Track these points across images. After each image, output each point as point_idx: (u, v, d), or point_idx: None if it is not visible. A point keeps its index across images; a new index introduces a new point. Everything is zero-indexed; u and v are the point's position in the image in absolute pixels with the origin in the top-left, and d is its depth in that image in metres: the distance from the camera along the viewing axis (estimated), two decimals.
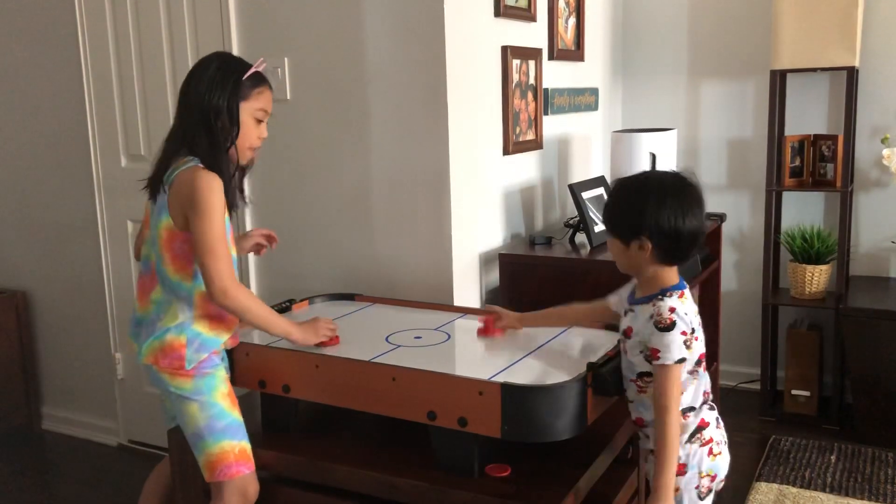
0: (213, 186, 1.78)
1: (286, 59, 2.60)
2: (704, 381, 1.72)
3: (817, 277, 3.28)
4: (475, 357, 2.00)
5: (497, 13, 2.60)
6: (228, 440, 1.86)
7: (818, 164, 3.36)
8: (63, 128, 3.16)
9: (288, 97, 2.62)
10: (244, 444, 1.88)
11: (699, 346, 1.67)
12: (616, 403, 1.82)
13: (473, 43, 2.50)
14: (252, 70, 1.87)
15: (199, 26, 2.75)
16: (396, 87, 2.44)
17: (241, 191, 1.97)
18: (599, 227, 2.68)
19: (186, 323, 1.86)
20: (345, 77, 2.52)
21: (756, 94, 3.51)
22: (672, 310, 1.63)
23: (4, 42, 3.26)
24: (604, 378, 1.70)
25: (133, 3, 2.87)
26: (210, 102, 1.82)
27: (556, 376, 1.71)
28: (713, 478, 1.72)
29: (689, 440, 1.70)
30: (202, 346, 1.87)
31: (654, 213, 1.62)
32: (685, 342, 1.62)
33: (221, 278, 1.78)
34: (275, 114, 2.63)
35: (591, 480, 1.80)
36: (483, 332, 2.04)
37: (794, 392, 3.35)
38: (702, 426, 1.71)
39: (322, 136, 2.61)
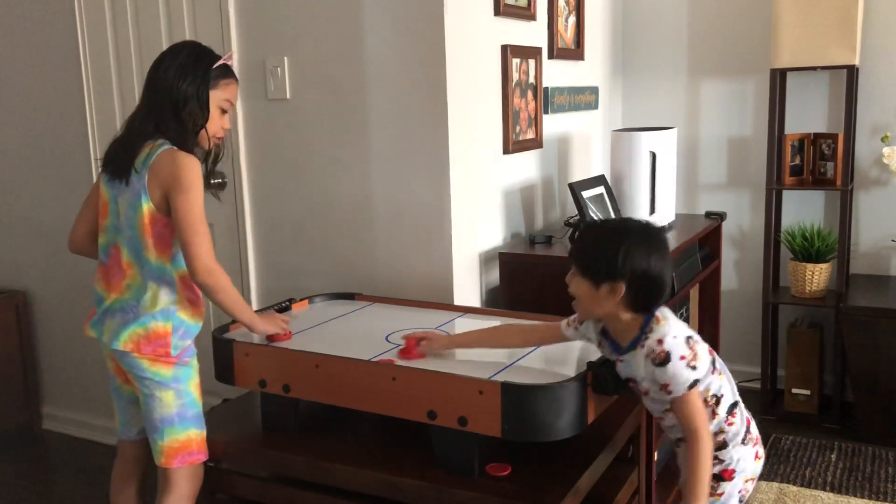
0: (194, 166, 1.83)
1: (286, 58, 2.60)
2: (727, 373, 1.73)
3: (817, 276, 3.28)
4: (475, 356, 1.99)
5: (497, 12, 2.60)
6: (195, 429, 1.93)
7: (818, 162, 3.36)
8: (63, 127, 3.16)
9: (287, 96, 2.62)
10: (204, 434, 1.95)
11: (703, 349, 1.65)
12: (616, 403, 1.81)
13: (473, 42, 2.49)
14: (221, 61, 1.92)
15: (198, 26, 2.75)
16: (396, 86, 2.44)
17: (211, 178, 2.01)
18: None
19: (172, 309, 1.89)
20: (344, 76, 2.52)
21: (756, 93, 3.51)
22: (660, 341, 1.61)
23: (4, 42, 3.25)
24: (604, 377, 1.70)
25: (133, 2, 2.87)
26: (180, 88, 1.86)
27: (557, 376, 1.71)
28: (753, 480, 1.74)
29: (743, 441, 1.70)
30: (186, 333, 1.91)
31: (633, 257, 1.60)
32: (689, 364, 1.60)
33: (205, 257, 1.81)
34: (274, 113, 2.66)
35: (591, 480, 1.80)
36: (404, 354, 1.89)
37: (794, 391, 3.35)
38: (748, 425, 1.73)
39: (322, 136, 2.60)
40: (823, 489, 2.74)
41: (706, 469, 1.63)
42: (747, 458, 1.72)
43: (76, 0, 2.97)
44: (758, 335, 3.46)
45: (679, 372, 1.60)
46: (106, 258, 1.96)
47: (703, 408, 1.63)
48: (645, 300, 1.63)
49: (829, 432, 3.21)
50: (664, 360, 1.60)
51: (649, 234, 1.65)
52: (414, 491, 1.73)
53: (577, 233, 1.71)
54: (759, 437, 1.76)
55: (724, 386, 1.70)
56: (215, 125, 1.94)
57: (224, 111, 1.96)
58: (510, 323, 2.07)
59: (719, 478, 1.71)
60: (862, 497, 2.68)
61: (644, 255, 1.60)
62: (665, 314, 1.66)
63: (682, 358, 1.60)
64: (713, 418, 1.67)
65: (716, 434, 1.68)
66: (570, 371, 1.75)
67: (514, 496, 1.66)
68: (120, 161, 1.89)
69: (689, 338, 1.63)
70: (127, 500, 2.13)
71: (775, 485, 2.76)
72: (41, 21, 3.12)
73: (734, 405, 1.71)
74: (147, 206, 1.85)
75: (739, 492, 1.72)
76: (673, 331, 1.62)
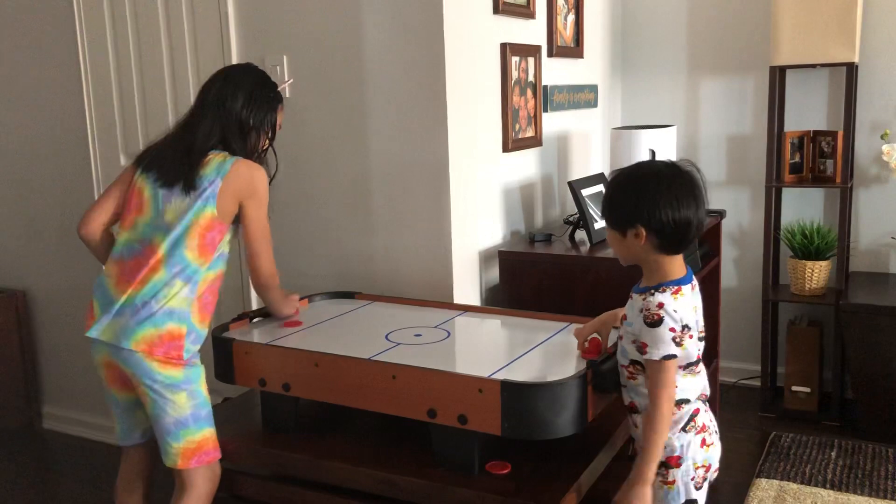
0: (266, 179, 2.02)
1: (285, 56, 2.60)
2: (702, 382, 1.72)
3: (817, 273, 3.28)
4: (475, 354, 2.00)
5: (496, 10, 2.60)
6: (209, 427, 1.95)
7: (818, 160, 3.36)
8: (62, 127, 3.16)
9: (287, 94, 2.62)
10: (214, 433, 1.97)
11: (691, 345, 1.65)
12: (616, 401, 1.81)
13: (472, 40, 2.49)
14: (280, 87, 2.10)
15: (197, 25, 2.75)
16: (395, 85, 2.44)
17: None
18: (599, 223, 2.68)
19: (186, 312, 1.91)
20: (344, 74, 2.52)
21: (755, 91, 3.50)
22: (660, 305, 1.62)
23: (4, 43, 3.25)
24: (604, 375, 1.70)
25: (132, 2, 2.87)
26: (249, 116, 2.01)
27: (557, 374, 1.71)
28: (707, 468, 1.72)
29: (684, 429, 1.69)
30: (197, 338, 1.95)
31: (647, 201, 1.61)
32: (674, 339, 1.61)
33: (271, 264, 2.02)
34: None
35: (591, 477, 1.80)
36: (589, 355, 1.83)
37: (794, 388, 3.35)
38: (694, 413, 1.71)
39: (321, 134, 2.60)
40: (823, 487, 2.74)
41: (659, 434, 1.63)
42: (693, 445, 1.70)
43: (75, 1, 2.97)
44: (757, 333, 3.46)
45: (662, 339, 1.60)
46: (129, 254, 1.95)
47: (673, 382, 1.63)
48: (670, 242, 1.64)
49: (828, 430, 3.22)
50: (655, 322, 1.61)
51: (667, 176, 1.64)
52: (414, 489, 1.73)
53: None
54: (707, 425, 1.73)
55: (686, 383, 1.69)
56: (263, 146, 2.10)
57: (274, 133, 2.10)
58: None
59: (667, 465, 1.70)
60: (862, 494, 2.68)
61: (660, 197, 1.61)
62: (687, 293, 1.66)
63: (672, 331, 1.60)
64: None
65: None
66: (570, 369, 1.75)
67: (513, 494, 1.66)
68: (179, 167, 1.95)
69: (685, 326, 1.63)
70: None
71: (775, 482, 2.77)
72: (41, 21, 3.12)
73: (684, 401, 1.69)
74: (210, 211, 1.92)
75: (692, 479, 1.70)
76: (677, 307, 1.62)
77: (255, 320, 2.20)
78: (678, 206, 1.61)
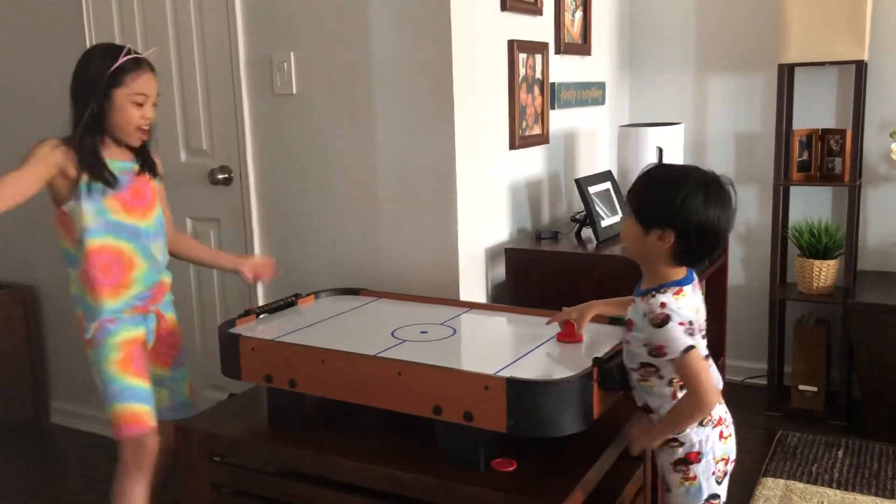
0: (40, 146, 2.04)
1: (292, 53, 2.60)
2: (715, 375, 1.71)
3: (825, 272, 3.27)
4: (481, 352, 1.99)
5: (503, 7, 2.59)
6: (119, 403, 2.06)
7: (826, 158, 3.35)
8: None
9: (294, 91, 2.62)
10: (135, 407, 2.05)
11: (701, 341, 1.65)
12: (622, 398, 1.81)
13: (480, 37, 2.49)
14: (122, 59, 2.04)
15: (205, 22, 2.76)
16: (402, 82, 2.44)
17: (149, 165, 2.16)
18: (606, 221, 2.67)
19: (78, 294, 2.12)
20: (351, 71, 2.52)
21: (764, 88, 3.49)
22: (663, 305, 1.60)
23: (13, 41, 3.26)
24: (610, 373, 1.70)
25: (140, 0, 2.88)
26: (83, 91, 2.05)
27: (562, 371, 1.71)
28: (727, 461, 1.73)
29: (702, 423, 1.69)
30: (91, 314, 2.09)
31: (689, 210, 1.57)
32: (686, 331, 1.60)
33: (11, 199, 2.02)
34: (281, 108, 2.66)
35: (597, 475, 1.79)
36: (564, 337, 1.92)
37: (801, 387, 3.34)
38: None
39: (328, 131, 2.60)
40: (830, 486, 2.73)
41: (686, 417, 1.64)
42: (711, 439, 1.70)
43: None
44: (764, 331, 3.45)
45: (675, 335, 1.59)
46: None
47: (705, 368, 1.62)
48: (690, 255, 1.62)
49: (835, 429, 3.20)
50: (662, 321, 1.59)
51: (711, 187, 1.60)
52: (419, 486, 1.73)
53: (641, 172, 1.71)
54: (724, 417, 1.73)
55: None
56: (132, 118, 2.06)
57: (139, 104, 2.06)
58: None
59: (686, 461, 1.70)
60: (868, 494, 2.67)
61: (700, 208, 1.57)
62: (688, 293, 1.65)
63: (682, 324, 1.59)
64: (672, 399, 1.68)
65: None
66: (576, 367, 1.74)
67: (519, 491, 1.66)
68: None
69: (690, 322, 1.61)
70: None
71: (781, 481, 2.76)
72: (49, 20, 3.12)
73: None
74: (51, 196, 2.10)
75: (713, 473, 1.71)
76: (679, 307, 1.61)
77: (261, 316, 2.20)
78: (716, 224, 1.58)
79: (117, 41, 2.95)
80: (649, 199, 1.64)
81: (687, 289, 1.65)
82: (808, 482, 2.76)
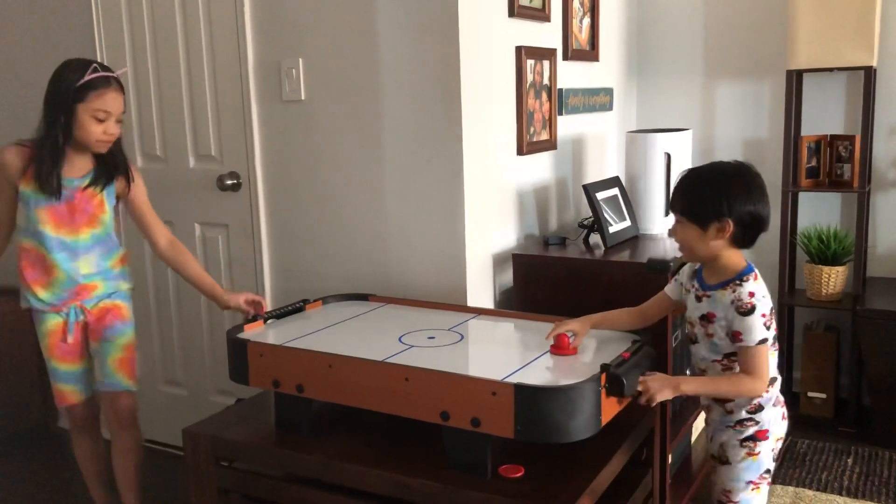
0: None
1: (300, 59, 2.61)
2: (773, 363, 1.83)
3: (834, 279, 3.25)
4: (488, 357, 1.99)
5: (511, 13, 2.59)
6: (53, 381, 2.39)
7: (835, 164, 3.33)
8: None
9: (302, 97, 2.63)
10: (57, 386, 2.38)
11: (774, 325, 1.77)
12: (630, 405, 1.81)
13: (488, 43, 2.49)
14: (89, 76, 2.15)
15: (214, 28, 2.77)
16: (410, 88, 2.44)
17: (105, 177, 2.27)
18: (614, 227, 2.67)
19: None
20: (359, 78, 2.53)
21: (772, 94, 3.48)
22: (752, 294, 1.74)
23: (24, 50, 3.28)
24: (618, 379, 1.70)
25: (149, 5, 2.89)
26: (52, 103, 2.16)
27: (570, 377, 1.71)
28: (781, 440, 1.87)
29: (773, 404, 1.83)
30: (24, 297, 2.32)
31: (736, 195, 1.73)
32: (765, 323, 1.73)
33: None
34: (289, 114, 2.67)
35: (605, 482, 1.79)
36: (558, 350, 1.91)
37: (810, 394, 3.33)
38: (776, 388, 1.85)
39: (336, 137, 2.61)
40: (839, 494, 2.71)
41: (731, 393, 1.78)
42: (776, 419, 1.84)
43: (94, 4, 2.99)
44: None
45: (756, 326, 1.72)
46: None
47: (767, 362, 1.74)
48: (750, 235, 1.77)
49: (845, 436, 3.19)
50: (749, 310, 1.73)
51: (745, 173, 1.79)
52: (426, 491, 1.73)
53: (676, 183, 1.89)
54: (781, 398, 1.88)
55: (774, 367, 1.81)
56: (93, 132, 2.17)
57: (100, 120, 2.17)
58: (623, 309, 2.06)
59: (755, 438, 1.83)
60: (878, 502, 2.65)
61: (745, 192, 1.74)
62: (760, 277, 1.79)
63: (763, 316, 1.73)
64: None
65: (753, 397, 1.81)
66: (584, 373, 1.74)
67: (526, 497, 1.66)
68: None
69: (771, 308, 1.76)
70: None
71: (791, 489, 2.74)
72: (58, 23, 3.15)
73: (773, 379, 1.81)
74: None
75: (772, 450, 1.85)
76: (764, 292, 1.76)
77: (269, 321, 2.21)
78: (759, 201, 1.76)
79: (127, 48, 2.97)
80: (699, 198, 1.78)
81: (758, 273, 1.80)
82: (817, 490, 2.74)
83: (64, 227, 2.24)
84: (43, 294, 2.29)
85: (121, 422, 2.42)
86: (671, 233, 1.85)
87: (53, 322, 2.33)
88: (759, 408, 1.83)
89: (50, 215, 2.22)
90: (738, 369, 1.78)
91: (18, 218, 2.27)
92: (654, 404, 1.75)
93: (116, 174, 2.30)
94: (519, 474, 1.74)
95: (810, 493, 2.72)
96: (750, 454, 1.84)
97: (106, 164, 2.28)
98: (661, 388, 1.73)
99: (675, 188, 1.85)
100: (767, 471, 1.86)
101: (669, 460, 2.35)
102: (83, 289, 2.31)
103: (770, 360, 1.77)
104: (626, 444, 1.90)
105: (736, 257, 1.80)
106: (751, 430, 1.83)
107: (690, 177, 1.84)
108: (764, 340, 1.73)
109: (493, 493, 1.68)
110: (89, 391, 2.43)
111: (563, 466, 1.77)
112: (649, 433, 2.07)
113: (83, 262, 2.28)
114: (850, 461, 2.95)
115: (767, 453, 1.85)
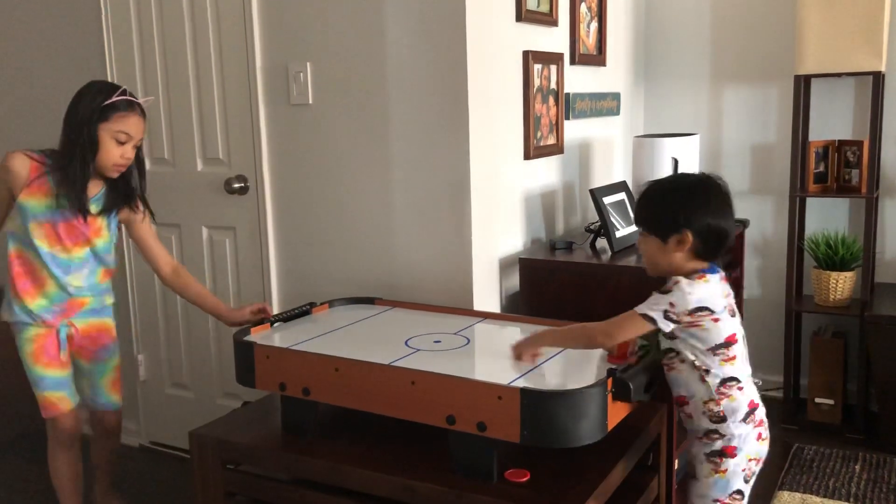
0: (11, 160, 2.19)
1: (308, 64, 2.62)
2: (747, 369, 1.80)
3: (842, 284, 3.24)
4: (495, 362, 1.99)
5: (518, 18, 2.60)
6: (38, 391, 2.34)
7: (843, 169, 3.32)
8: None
9: (310, 102, 2.64)
10: (45, 394, 2.33)
11: (716, 329, 1.71)
12: (637, 410, 1.80)
13: (495, 47, 2.50)
14: (115, 98, 2.16)
15: (222, 34, 2.78)
16: (417, 92, 2.45)
17: (109, 203, 2.26)
18: (621, 232, 2.67)
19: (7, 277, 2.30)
20: (366, 82, 2.53)
21: (780, 99, 3.48)
22: (676, 282, 1.70)
23: (34, 57, 3.30)
24: (624, 384, 1.69)
25: (158, 10, 2.90)
26: (75, 120, 2.16)
27: (576, 382, 1.70)
28: (758, 461, 1.81)
29: (744, 419, 1.77)
30: (9, 305, 2.29)
31: (695, 207, 1.72)
32: (666, 312, 1.69)
33: None
34: (297, 118, 2.67)
35: (611, 487, 1.79)
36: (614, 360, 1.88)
37: (817, 400, 3.31)
38: (753, 407, 1.79)
39: (343, 141, 2.62)
40: (847, 500, 2.70)
41: (578, 334, 1.80)
42: (749, 437, 1.78)
43: (103, 7, 3.01)
44: (781, 344, 3.42)
45: (653, 301, 1.71)
46: None
47: (626, 330, 1.73)
48: (711, 247, 1.74)
49: (852, 442, 3.17)
50: (665, 290, 1.72)
51: (707, 185, 1.77)
52: (432, 495, 1.73)
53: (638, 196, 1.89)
54: (763, 420, 1.82)
55: (734, 366, 1.77)
56: (112, 155, 2.17)
57: (121, 142, 2.17)
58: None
59: (722, 454, 1.77)
60: None
61: (704, 204, 1.73)
62: (711, 279, 1.73)
63: (671, 305, 1.69)
64: (702, 382, 1.77)
65: (706, 402, 1.77)
66: (590, 378, 1.74)
67: (532, 502, 1.65)
68: None
69: (702, 308, 1.69)
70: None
71: (798, 495, 2.73)
72: (68, 28, 3.16)
73: (731, 380, 1.76)
74: None
75: (743, 470, 1.78)
76: (693, 291, 1.69)
77: (276, 324, 2.21)
78: (720, 213, 1.73)
79: (136, 53, 2.99)
80: (658, 211, 1.77)
81: (712, 277, 1.74)
82: (824, 496, 2.73)
83: (57, 246, 2.25)
84: (33, 304, 2.27)
85: (108, 433, 2.55)
86: (637, 244, 1.86)
87: (37, 331, 2.31)
88: (721, 418, 1.77)
89: (45, 231, 2.22)
90: (678, 368, 1.78)
91: (12, 225, 2.26)
92: (524, 361, 1.78)
93: (123, 204, 2.30)
94: (525, 479, 1.73)
95: (818, 499, 2.71)
96: (716, 470, 1.78)
97: (115, 191, 2.28)
98: (525, 346, 1.79)
99: (638, 200, 1.86)
100: (738, 492, 1.80)
101: (676, 465, 2.34)
102: (74, 303, 2.32)
103: (728, 367, 1.75)
104: (633, 449, 1.89)
105: (696, 266, 1.76)
106: (717, 445, 1.78)
107: (652, 189, 1.83)
108: (644, 316, 1.70)
109: (498, 497, 1.67)
110: (76, 398, 2.41)
111: (569, 471, 1.77)
112: (656, 438, 2.07)
113: (74, 276, 2.29)
114: (857, 468, 2.93)
115: (736, 472, 1.78)
